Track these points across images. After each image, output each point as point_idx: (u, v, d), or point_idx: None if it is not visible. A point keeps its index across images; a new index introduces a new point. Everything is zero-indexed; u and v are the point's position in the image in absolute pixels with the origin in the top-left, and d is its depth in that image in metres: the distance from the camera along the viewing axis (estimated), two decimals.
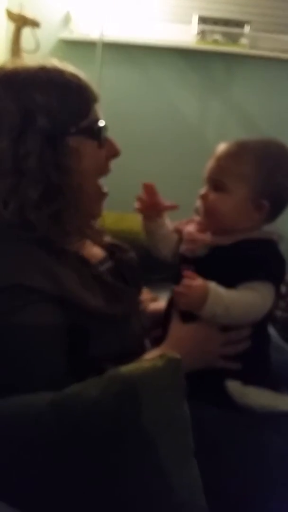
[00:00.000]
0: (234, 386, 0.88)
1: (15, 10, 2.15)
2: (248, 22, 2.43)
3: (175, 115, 2.52)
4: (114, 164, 0.96)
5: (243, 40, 2.45)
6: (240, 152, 0.93)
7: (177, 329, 0.94)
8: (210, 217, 0.95)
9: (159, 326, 1.00)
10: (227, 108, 2.55)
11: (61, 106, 0.84)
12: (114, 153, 0.94)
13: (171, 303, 0.99)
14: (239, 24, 2.44)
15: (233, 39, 2.45)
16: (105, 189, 0.95)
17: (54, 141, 0.83)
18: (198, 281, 0.86)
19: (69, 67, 0.89)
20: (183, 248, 0.98)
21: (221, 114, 2.52)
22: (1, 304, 0.79)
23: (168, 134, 2.53)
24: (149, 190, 0.99)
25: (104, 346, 0.87)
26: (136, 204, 1.01)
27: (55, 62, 0.88)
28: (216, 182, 0.94)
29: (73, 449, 0.60)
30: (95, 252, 1.02)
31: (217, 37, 2.44)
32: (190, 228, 0.98)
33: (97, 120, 0.89)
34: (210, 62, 2.52)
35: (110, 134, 0.94)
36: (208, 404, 0.83)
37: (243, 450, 0.78)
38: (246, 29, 2.43)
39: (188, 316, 0.93)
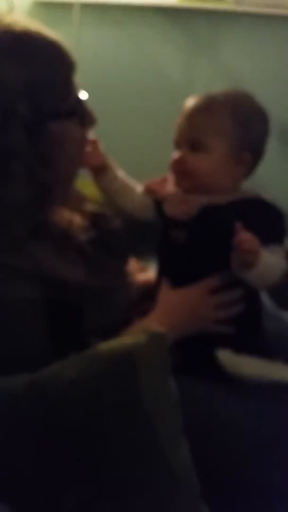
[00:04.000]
0: (225, 356, 0.85)
1: None
2: None
3: (160, 78, 2.48)
4: (96, 130, 0.90)
5: None
6: (212, 106, 0.90)
7: (166, 295, 0.91)
8: (189, 179, 0.91)
9: (148, 298, 0.96)
10: (214, 68, 2.51)
11: (42, 86, 0.73)
12: (91, 124, 0.87)
13: (161, 273, 0.96)
14: None
15: None
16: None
17: (36, 131, 0.73)
18: (253, 238, 0.81)
19: (41, 28, 0.77)
20: (171, 210, 0.93)
21: (207, 75, 2.48)
22: None
23: (153, 98, 2.49)
24: (91, 144, 0.93)
25: (88, 320, 0.84)
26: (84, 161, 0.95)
27: (23, 22, 0.75)
28: (192, 142, 0.90)
29: (52, 432, 0.57)
30: (76, 221, 0.97)
31: None
32: (171, 188, 0.94)
33: (77, 96, 0.81)
34: (194, 20, 2.46)
35: (91, 99, 0.87)
36: (198, 376, 0.80)
37: (234, 425, 0.75)
38: None
39: (179, 282, 0.90)
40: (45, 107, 0.73)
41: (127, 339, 0.60)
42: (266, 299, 1.58)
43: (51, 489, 0.59)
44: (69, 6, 2.26)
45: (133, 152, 2.44)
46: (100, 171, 0.95)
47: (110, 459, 0.57)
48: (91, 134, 0.91)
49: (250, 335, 0.91)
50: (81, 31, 2.22)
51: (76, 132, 0.83)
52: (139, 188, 1.00)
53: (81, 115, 0.82)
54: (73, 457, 0.58)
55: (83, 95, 0.83)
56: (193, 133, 0.89)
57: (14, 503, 0.58)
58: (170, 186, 0.95)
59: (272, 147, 2.91)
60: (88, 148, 0.92)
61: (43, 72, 0.74)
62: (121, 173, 0.98)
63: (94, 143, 0.92)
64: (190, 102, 0.92)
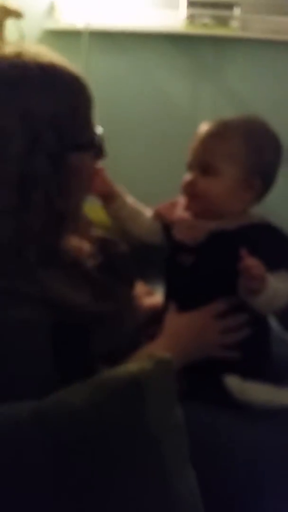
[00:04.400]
0: (233, 382, 0.85)
1: None
2: (237, 4, 2.41)
3: (166, 103, 2.51)
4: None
5: (233, 23, 2.42)
6: (226, 131, 0.91)
7: (172, 319, 0.91)
8: (199, 202, 0.92)
9: (155, 322, 0.97)
10: (219, 93, 2.54)
11: (68, 117, 0.75)
12: (102, 157, 0.88)
13: (168, 297, 0.96)
14: (228, 6, 2.42)
15: (223, 22, 2.43)
16: None
17: (59, 161, 0.74)
18: (260, 266, 0.82)
19: (67, 63, 0.78)
20: (179, 235, 0.94)
21: (213, 100, 2.51)
22: None
23: (159, 122, 2.51)
24: (99, 173, 0.95)
25: (95, 344, 0.84)
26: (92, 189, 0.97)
27: (51, 54, 0.77)
28: (204, 165, 0.91)
29: (58, 459, 0.57)
30: (83, 246, 0.98)
31: (206, 20, 2.41)
32: (180, 213, 0.95)
33: (94, 129, 0.83)
34: (200, 46, 2.49)
35: (100, 123, 0.88)
36: (205, 402, 0.80)
37: (240, 452, 0.75)
38: (236, 11, 2.41)
39: (186, 305, 0.90)
40: (67, 138, 0.75)
41: (133, 365, 0.60)
42: (273, 323, 1.57)
43: None
44: (78, 33, 2.31)
45: (141, 175, 2.44)
46: (109, 198, 0.97)
47: (117, 486, 0.56)
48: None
49: (257, 360, 0.91)
50: (90, 58, 2.26)
51: (91, 164, 0.84)
52: (148, 213, 1.01)
53: (97, 148, 0.83)
54: (79, 484, 0.57)
55: (98, 129, 0.84)
56: (206, 157, 0.91)
57: None
58: (179, 211, 0.96)
59: None
60: (95, 177, 0.93)
61: (67, 105, 0.75)
62: (129, 199, 1.00)
63: (100, 171, 0.93)
64: (204, 127, 0.94)
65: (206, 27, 2.41)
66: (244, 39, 2.45)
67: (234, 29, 2.42)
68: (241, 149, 0.90)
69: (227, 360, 0.88)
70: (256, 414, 0.82)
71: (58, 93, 0.74)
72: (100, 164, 0.92)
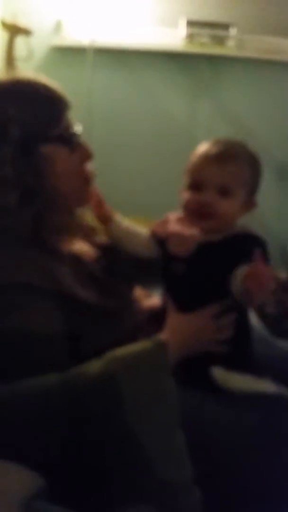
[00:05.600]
0: (218, 372, 0.95)
1: (8, 19, 2.21)
2: (234, 24, 2.48)
3: (165, 117, 2.58)
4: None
5: (230, 42, 2.49)
6: (237, 155, 0.98)
7: (174, 318, 1.00)
8: (211, 220, 0.98)
9: (154, 321, 1.05)
10: (215, 110, 2.61)
11: (32, 116, 0.91)
12: (87, 156, 1.00)
13: (166, 299, 1.05)
14: (226, 26, 2.48)
15: (220, 41, 2.50)
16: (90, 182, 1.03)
17: (27, 149, 0.90)
18: (267, 271, 0.84)
19: (41, 78, 0.96)
20: (172, 248, 1.01)
21: (209, 116, 2.58)
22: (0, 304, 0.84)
23: (158, 136, 2.59)
24: (96, 199, 1.04)
25: (97, 341, 0.91)
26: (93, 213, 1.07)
27: (30, 74, 0.96)
28: (222, 188, 0.96)
29: (77, 418, 0.72)
30: (88, 250, 1.07)
31: (204, 39, 2.49)
32: (173, 228, 1.02)
33: (68, 127, 0.96)
34: (198, 64, 2.57)
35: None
36: (195, 388, 0.90)
37: (223, 426, 0.86)
38: (233, 31, 2.48)
39: (182, 307, 0.99)
40: (32, 132, 0.91)
41: (136, 345, 0.78)
42: (261, 327, 1.67)
43: (75, 463, 0.73)
44: (83, 51, 2.38)
45: (141, 187, 2.47)
46: (105, 220, 1.06)
47: (132, 441, 0.71)
48: (91, 167, 1.03)
49: (241, 355, 1.01)
50: (94, 73, 2.34)
51: (65, 155, 0.96)
52: (142, 231, 1.09)
53: (68, 141, 0.96)
54: (94, 442, 0.72)
55: (77, 128, 0.98)
56: (224, 179, 0.96)
57: (47, 474, 0.71)
58: (172, 226, 1.02)
59: (271, 183, 3.06)
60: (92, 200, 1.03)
61: (33, 106, 0.92)
62: (125, 221, 1.08)
63: (95, 196, 1.03)
64: (206, 148, 0.99)
65: (204, 46, 2.48)
66: (240, 58, 2.53)
67: (230, 48, 2.49)
68: (249, 173, 0.98)
69: (215, 354, 0.98)
70: (236, 398, 0.93)
71: (21, 100, 0.92)
72: (97, 188, 1.04)
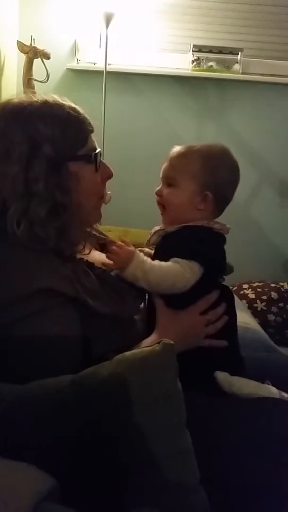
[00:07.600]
0: (222, 377, 1.01)
1: (26, 42, 2.30)
2: (240, 50, 2.58)
3: (173, 138, 2.63)
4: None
5: (236, 66, 2.59)
6: (189, 153, 1.09)
7: (164, 317, 1.05)
8: (167, 212, 1.10)
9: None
10: (221, 130, 2.69)
11: (63, 136, 0.97)
12: (108, 175, 1.09)
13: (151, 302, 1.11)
14: (232, 51, 2.59)
15: (227, 65, 2.60)
16: (107, 199, 1.11)
17: (57, 167, 0.96)
18: (127, 248, 1.02)
19: (68, 101, 1.03)
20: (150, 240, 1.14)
21: (215, 136, 2.65)
22: (23, 310, 0.89)
23: (166, 155, 2.65)
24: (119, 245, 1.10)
25: (110, 345, 0.95)
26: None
27: (56, 97, 1.02)
28: (169, 179, 1.09)
29: (88, 418, 0.74)
30: (103, 260, 1.11)
31: (212, 64, 2.59)
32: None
33: (93, 148, 1.04)
34: (205, 87, 2.66)
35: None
36: (201, 391, 0.92)
37: (229, 429, 0.89)
38: (238, 55, 2.58)
39: (171, 304, 1.06)
40: (62, 151, 0.97)
41: (146, 349, 0.77)
42: (264, 334, 1.75)
43: (85, 464, 0.74)
44: (96, 73, 2.48)
45: (151, 203, 2.58)
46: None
47: (139, 442, 0.72)
48: (108, 192, 1.11)
49: (233, 359, 1.06)
50: (107, 95, 2.40)
51: (90, 173, 1.02)
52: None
53: (94, 160, 1.03)
54: (103, 441, 0.74)
55: (96, 149, 1.05)
56: (171, 172, 1.09)
57: (57, 475, 0.71)
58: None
59: (274, 199, 3.15)
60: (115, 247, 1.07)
61: (64, 127, 0.98)
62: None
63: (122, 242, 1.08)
64: (174, 149, 1.12)
65: (211, 70, 2.59)
66: (245, 81, 2.62)
67: (236, 72, 2.59)
68: (198, 168, 1.06)
69: (218, 359, 1.04)
70: (240, 401, 0.97)
71: (54, 121, 0.96)
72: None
